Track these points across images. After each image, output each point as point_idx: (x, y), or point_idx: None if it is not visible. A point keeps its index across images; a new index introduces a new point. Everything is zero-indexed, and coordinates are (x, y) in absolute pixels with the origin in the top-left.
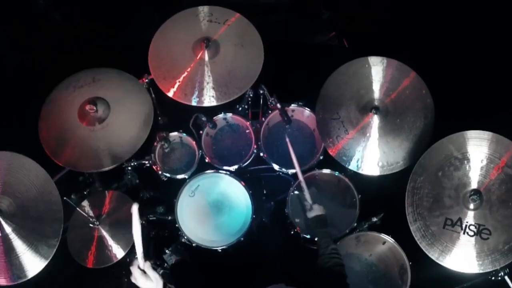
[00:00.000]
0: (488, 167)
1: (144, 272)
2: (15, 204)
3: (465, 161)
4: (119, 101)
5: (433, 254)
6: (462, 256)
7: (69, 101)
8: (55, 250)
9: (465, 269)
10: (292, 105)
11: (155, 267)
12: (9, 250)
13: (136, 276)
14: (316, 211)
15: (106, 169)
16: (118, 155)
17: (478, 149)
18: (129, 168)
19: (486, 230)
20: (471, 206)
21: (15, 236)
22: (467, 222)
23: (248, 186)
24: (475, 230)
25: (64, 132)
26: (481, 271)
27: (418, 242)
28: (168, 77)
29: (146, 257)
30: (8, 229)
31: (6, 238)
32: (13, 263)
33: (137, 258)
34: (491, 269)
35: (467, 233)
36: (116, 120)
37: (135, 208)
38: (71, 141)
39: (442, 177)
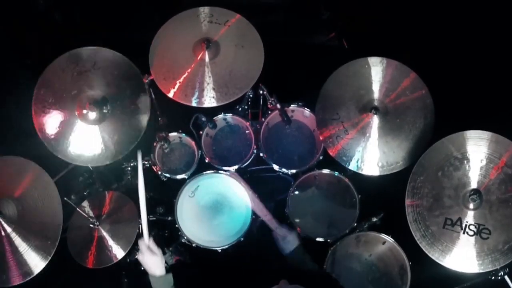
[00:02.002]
0: (488, 167)
1: (149, 247)
2: (15, 204)
3: (465, 161)
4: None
5: (433, 254)
6: (462, 256)
7: (67, 89)
8: (55, 246)
9: (465, 269)
10: (292, 105)
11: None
12: (12, 249)
13: (143, 250)
14: (293, 241)
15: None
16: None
17: (477, 149)
18: (129, 168)
19: (486, 229)
20: (471, 206)
21: (16, 235)
22: (467, 222)
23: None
24: (475, 229)
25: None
26: (481, 271)
27: (418, 242)
28: (169, 77)
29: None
30: (8, 229)
31: (7, 238)
32: (18, 261)
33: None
34: (491, 269)
35: (467, 232)
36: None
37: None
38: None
39: (442, 177)
